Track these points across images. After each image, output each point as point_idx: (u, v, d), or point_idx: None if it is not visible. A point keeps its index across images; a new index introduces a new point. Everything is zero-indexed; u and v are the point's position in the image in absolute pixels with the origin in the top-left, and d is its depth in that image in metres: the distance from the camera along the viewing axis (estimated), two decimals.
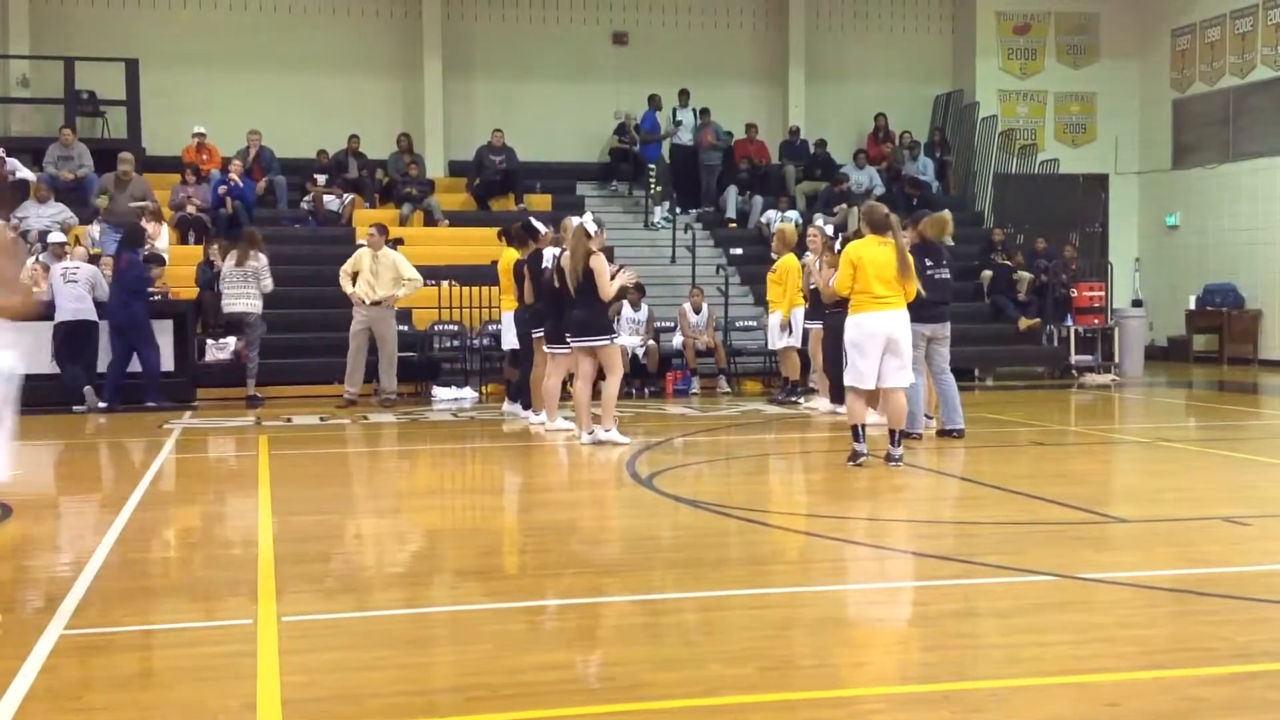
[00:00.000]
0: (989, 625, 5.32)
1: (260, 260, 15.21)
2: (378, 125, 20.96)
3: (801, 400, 14.42)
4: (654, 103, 21.04)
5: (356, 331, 14.98)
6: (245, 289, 15.14)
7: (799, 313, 14.33)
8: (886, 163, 21.95)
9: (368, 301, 14.86)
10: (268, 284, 15.31)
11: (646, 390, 16.21)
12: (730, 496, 8.76)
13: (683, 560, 6.60)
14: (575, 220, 11.20)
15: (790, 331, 14.54)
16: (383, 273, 14.91)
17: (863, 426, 9.52)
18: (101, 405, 14.37)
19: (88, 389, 14.39)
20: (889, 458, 9.52)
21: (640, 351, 16.08)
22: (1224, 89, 21.86)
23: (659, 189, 20.31)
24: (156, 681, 4.73)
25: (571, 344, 11.13)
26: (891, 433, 9.62)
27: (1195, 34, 22.50)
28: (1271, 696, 4.30)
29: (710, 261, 19.04)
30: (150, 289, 15.25)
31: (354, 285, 14.93)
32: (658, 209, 20.17)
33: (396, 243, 15.80)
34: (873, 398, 9.98)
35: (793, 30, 22.67)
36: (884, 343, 9.45)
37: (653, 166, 20.50)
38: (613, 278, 11.05)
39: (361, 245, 15.50)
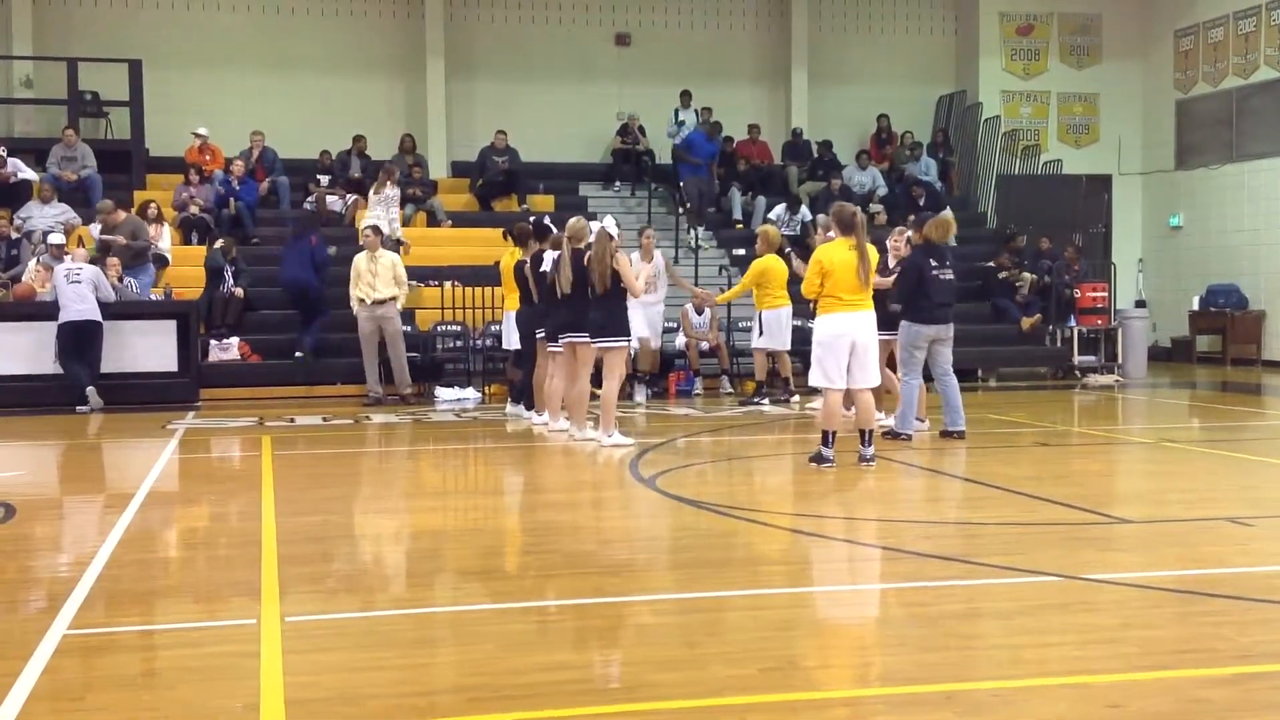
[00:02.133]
0: (992, 626, 5.32)
1: (394, 191, 17.64)
2: (380, 126, 20.97)
3: (796, 399, 14.46)
4: (709, 130, 20.90)
5: (369, 333, 15.02)
6: (378, 213, 17.10)
7: (785, 313, 14.36)
8: (889, 164, 21.96)
9: (369, 301, 14.92)
10: (394, 214, 17.59)
11: (649, 391, 16.20)
12: (733, 497, 8.76)
13: (685, 561, 6.60)
14: (596, 223, 11.24)
15: (761, 332, 14.55)
16: (382, 273, 15.01)
17: (832, 434, 9.51)
18: (301, 354, 15.59)
19: (90, 389, 14.39)
20: (861, 458, 9.51)
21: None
22: (1227, 90, 21.85)
23: (686, 210, 20.10)
24: (159, 682, 4.73)
25: (592, 344, 11.15)
26: (861, 433, 9.62)
27: (1198, 35, 22.49)
28: (1274, 698, 4.30)
29: (713, 262, 19.04)
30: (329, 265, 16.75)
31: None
32: (693, 231, 19.87)
33: (398, 244, 15.87)
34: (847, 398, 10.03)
35: (795, 31, 22.68)
36: (850, 344, 9.46)
37: (681, 185, 20.35)
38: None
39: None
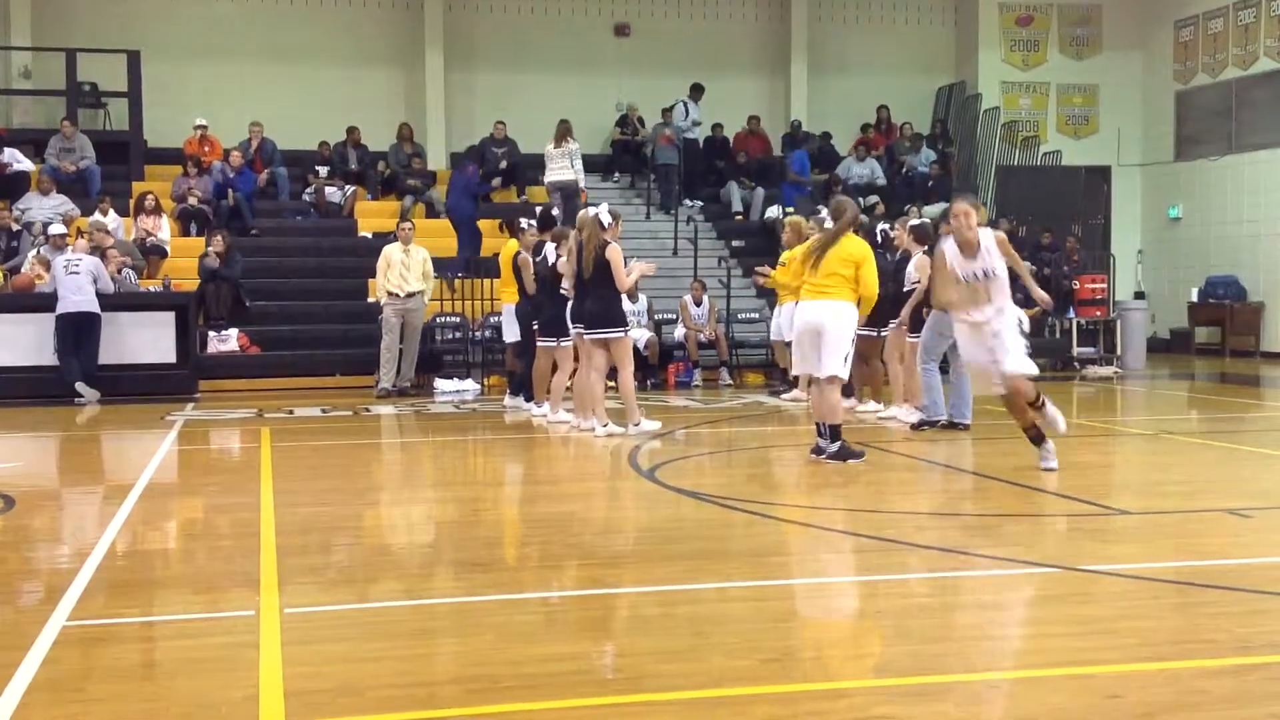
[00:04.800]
0: (990, 617, 5.32)
1: (575, 145, 18.83)
2: (379, 117, 20.93)
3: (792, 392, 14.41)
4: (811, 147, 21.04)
5: (394, 324, 15.02)
6: (563, 165, 18.65)
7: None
8: (888, 154, 21.93)
9: (402, 294, 14.93)
10: (579, 165, 18.89)
11: (648, 382, 16.21)
12: (732, 488, 8.76)
13: (684, 552, 6.60)
14: (591, 210, 11.19)
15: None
16: (414, 266, 15.06)
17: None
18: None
19: (79, 384, 14.35)
20: (814, 449, 9.35)
21: (641, 343, 16.08)
22: (1226, 81, 21.84)
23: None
24: (158, 673, 4.73)
25: (585, 336, 11.10)
26: (818, 425, 9.41)
27: (1198, 26, 22.46)
28: (1273, 689, 4.30)
29: (712, 254, 19.03)
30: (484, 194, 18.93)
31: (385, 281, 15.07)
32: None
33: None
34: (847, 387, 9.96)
35: (795, 22, 22.65)
36: (815, 331, 9.22)
37: (791, 210, 20.30)
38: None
39: (367, 238, 15.56)
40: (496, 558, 6.81)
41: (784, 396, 14.17)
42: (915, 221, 12.23)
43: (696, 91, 21.21)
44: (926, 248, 11.49)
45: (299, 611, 5.31)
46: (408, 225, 15.50)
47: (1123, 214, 23.68)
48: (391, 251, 15.11)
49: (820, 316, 9.20)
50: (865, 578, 6.20)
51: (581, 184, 19.11)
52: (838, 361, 9.18)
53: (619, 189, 21.10)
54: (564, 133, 19.01)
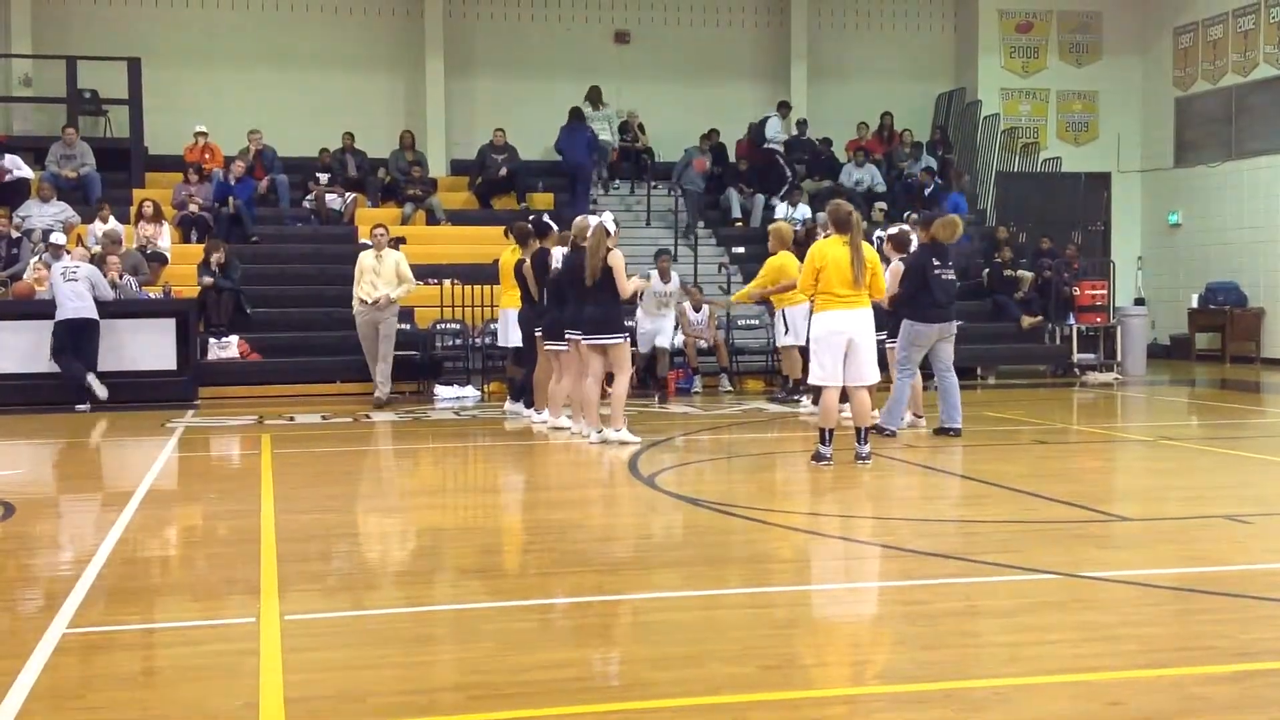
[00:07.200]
0: (991, 623, 5.32)
1: (609, 108, 20.41)
2: (379, 124, 20.96)
3: (802, 401, 14.36)
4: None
5: (367, 333, 14.98)
6: (602, 126, 19.85)
7: (799, 311, 14.25)
8: (888, 161, 21.94)
9: (369, 301, 14.87)
10: (615, 126, 20.48)
11: (648, 384, 16.21)
12: (732, 495, 8.76)
13: (684, 559, 6.60)
14: (593, 219, 11.20)
15: (788, 329, 14.45)
16: (385, 272, 14.96)
17: (830, 432, 9.50)
18: None
19: (91, 376, 14.32)
20: (857, 456, 9.50)
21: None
22: (1226, 87, 21.85)
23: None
24: (159, 680, 4.73)
25: (584, 342, 11.09)
26: (858, 430, 9.60)
27: (1198, 32, 22.49)
28: (1274, 695, 4.30)
29: (711, 260, 19.03)
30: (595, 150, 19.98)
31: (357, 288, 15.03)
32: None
33: (399, 241, 15.87)
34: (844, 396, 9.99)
35: (795, 28, 22.67)
36: (846, 342, 9.44)
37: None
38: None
39: (367, 245, 15.51)
40: (496, 564, 6.81)
41: (803, 411, 13.91)
42: (894, 229, 12.25)
43: (784, 108, 21.45)
44: (902, 255, 11.58)
45: (299, 618, 5.30)
46: (380, 230, 15.29)
47: (1123, 220, 23.69)
48: (364, 258, 15.06)
49: (858, 326, 9.47)
50: (864, 584, 6.20)
51: (615, 144, 20.46)
52: (876, 368, 9.65)
53: (619, 196, 21.09)
54: (598, 96, 20.27)
